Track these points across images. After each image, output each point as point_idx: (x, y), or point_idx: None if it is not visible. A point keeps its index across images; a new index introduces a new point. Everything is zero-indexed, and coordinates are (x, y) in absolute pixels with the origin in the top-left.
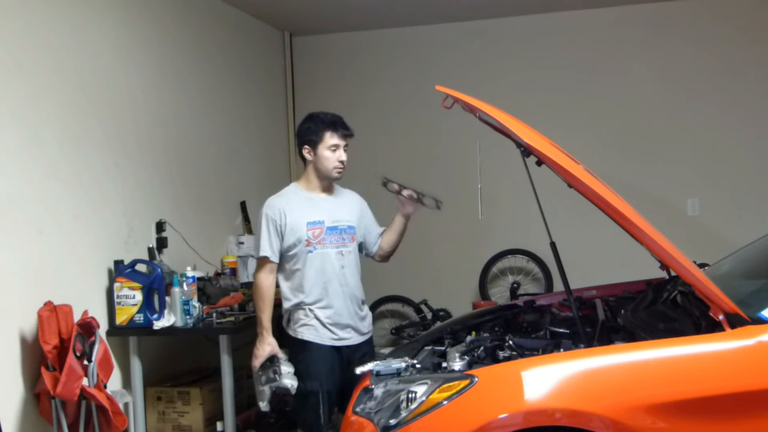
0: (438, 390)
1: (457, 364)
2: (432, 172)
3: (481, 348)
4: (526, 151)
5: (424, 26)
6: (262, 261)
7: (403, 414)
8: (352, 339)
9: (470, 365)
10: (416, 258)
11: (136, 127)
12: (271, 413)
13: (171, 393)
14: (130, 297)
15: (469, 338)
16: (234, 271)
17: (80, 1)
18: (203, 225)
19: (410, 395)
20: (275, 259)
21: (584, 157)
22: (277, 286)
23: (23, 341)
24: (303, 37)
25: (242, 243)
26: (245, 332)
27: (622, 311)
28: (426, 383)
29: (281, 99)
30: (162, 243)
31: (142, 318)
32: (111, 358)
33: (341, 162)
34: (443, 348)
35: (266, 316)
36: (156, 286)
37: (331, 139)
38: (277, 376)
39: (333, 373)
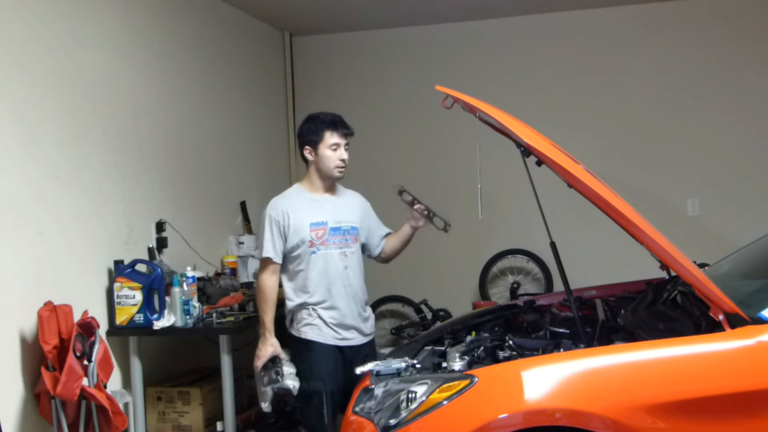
0: (438, 390)
1: (457, 364)
2: (432, 172)
3: (481, 348)
4: (526, 151)
5: (424, 26)
6: (265, 262)
7: (403, 414)
8: (355, 340)
9: (470, 365)
10: (416, 258)
11: (136, 127)
12: (271, 413)
13: (171, 393)
14: (130, 297)
15: (469, 338)
16: (234, 271)
17: (80, 1)
18: (203, 225)
19: (410, 395)
20: (278, 260)
21: (584, 157)
22: (280, 286)
23: (23, 341)
24: (303, 37)
25: (242, 243)
26: (245, 332)
27: (622, 311)
28: (426, 383)
29: (281, 99)
30: (162, 243)
31: (142, 318)
32: (111, 358)
33: (342, 161)
34: (443, 348)
35: (269, 317)
36: (156, 286)
37: (331, 138)
38: (279, 377)
39: (336, 373)
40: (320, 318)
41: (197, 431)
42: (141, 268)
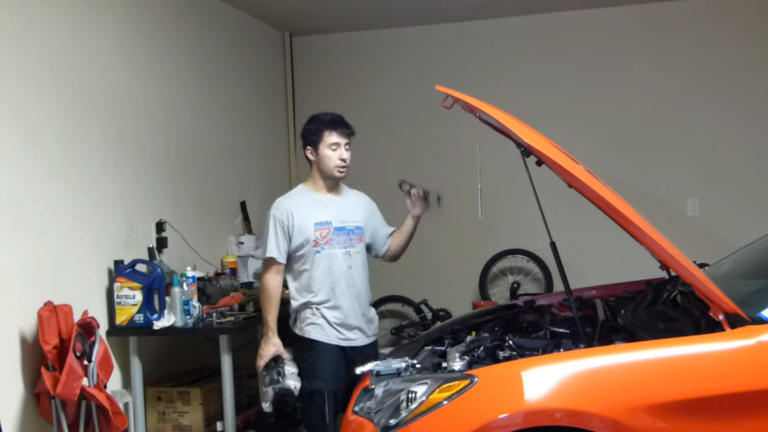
0: (438, 390)
1: (457, 364)
2: (432, 172)
3: (481, 348)
4: (526, 151)
5: (424, 26)
6: (269, 262)
7: (403, 414)
8: (359, 340)
9: (470, 365)
10: (416, 258)
11: (136, 127)
12: (271, 413)
13: (171, 393)
14: (130, 297)
15: (469, 338)
16: (234, 271)
17: (80, 1)
18: (203, 225)
19: (410, 395)
20: (282, 260)
21: (584, 157)
22: (285, 286)
23: (23, 341)
24: (303, 37)
25: (242, 243)
26: (245, 332)
27: (622, 311)
28: (426, 383)
29: (281, 99)
30: (162, 243)
31: (142, 318)
32: (111, 358)
33: (342, 160)
34: (443, 348)
35: (272, 317)
36: (156, 286)
37: (330, 137)
38: (280, 377)
39: (338, 373)
40: (323, 317)
41: (197, 431)
42: (141, 268)
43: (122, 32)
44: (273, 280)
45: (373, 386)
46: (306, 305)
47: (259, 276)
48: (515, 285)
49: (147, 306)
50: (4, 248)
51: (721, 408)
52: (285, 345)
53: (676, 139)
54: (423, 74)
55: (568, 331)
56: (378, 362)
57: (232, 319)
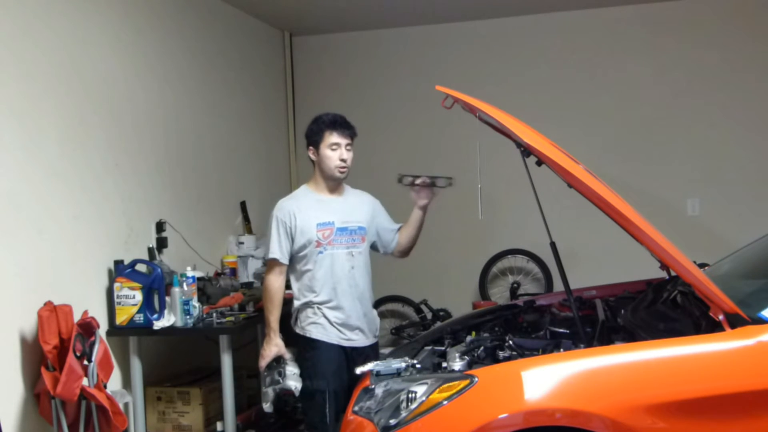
0: (438, 390)
1: (457, 364)
2: (432, 172)
3: (481, 348)
4: (526, 151)
5: (424, 26)
6: (272, 263)
7: (403, 414)
8: (360, 341)
9: (470, 365)
10: (416, 258)
11: (136, 127)
12: (271, 413)
13: (171, 393)
14: (130, 297)
15: (469, 338)
16: (234, 271)
17: (80, 1)
18: (203, 225)
19: (410, 395)
20: (284, 261)
21: (584, 157)
22: (288, 287)
23: (23, 341)
24: (303, 37)
25: (242, 243)
26: (245, 332)
27: (622, 311)
28: (426, 383)
29: (281, 99)
30: (162, 243)
31: (142, 318)
32: (111, 358)
33: (343, 161)
34: (443, 348)
35: (274, 318)
36: (156, 286)
37: (330, 137)
38: (281, 378)
39: (340, 372)
40: (325, 317)
41: (197, 431)
42: (141, 268)
43: (122, 32)
44: (275, 281)
45: (373, 386)
46: (308, 305)
47: (259, 276)
48: (515, 285)
49: (147, 306)
50: (4, 248)
51: (721, 408)
52: (287, 345)
53: (676, 138)
54: (423, 74)
55: (568, 331)
56: (378, 362)
57: (232, 319)
